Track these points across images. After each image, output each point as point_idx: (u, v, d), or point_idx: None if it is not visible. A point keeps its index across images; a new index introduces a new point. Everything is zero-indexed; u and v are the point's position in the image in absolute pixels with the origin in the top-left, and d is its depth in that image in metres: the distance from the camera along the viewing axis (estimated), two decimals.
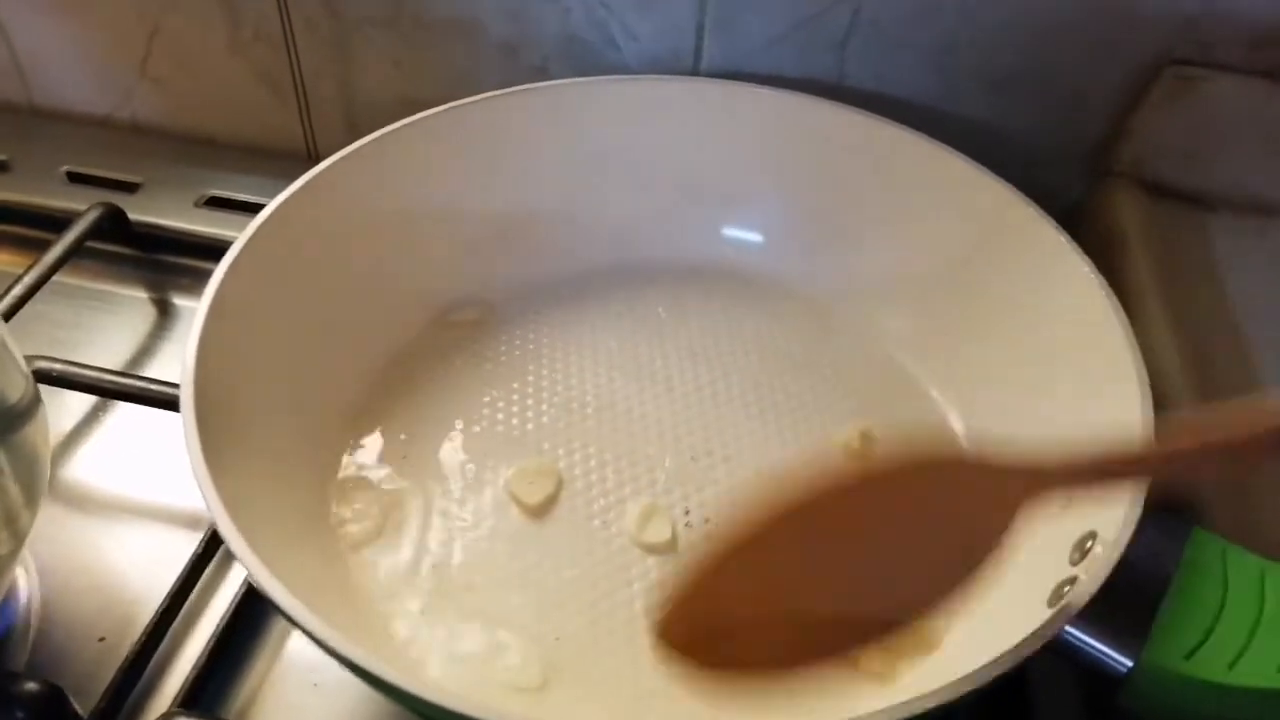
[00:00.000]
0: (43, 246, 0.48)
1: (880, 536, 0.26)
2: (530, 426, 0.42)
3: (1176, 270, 0.45)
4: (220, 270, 0.37)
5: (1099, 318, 0.36)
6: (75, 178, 0.56)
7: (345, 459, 0.40)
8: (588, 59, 0.52)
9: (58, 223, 0.50)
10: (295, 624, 0.27)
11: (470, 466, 0.40)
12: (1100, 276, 0.38)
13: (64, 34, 0.58)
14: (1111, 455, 0.26)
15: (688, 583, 0.26)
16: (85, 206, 0.51)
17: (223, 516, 0.29)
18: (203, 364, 0.33)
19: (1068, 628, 0.28)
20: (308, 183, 0.41)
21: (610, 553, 0.38)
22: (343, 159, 0.42)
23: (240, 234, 0.38)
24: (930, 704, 0.25)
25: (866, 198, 0.46)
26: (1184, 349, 0.41)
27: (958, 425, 0.43)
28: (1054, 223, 0.40)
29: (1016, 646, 0.26)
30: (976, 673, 0.26)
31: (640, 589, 0.37)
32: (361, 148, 0.43)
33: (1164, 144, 0.47)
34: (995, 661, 0.26)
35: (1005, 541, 0.26)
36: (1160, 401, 0.39)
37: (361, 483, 0.39)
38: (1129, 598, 0.29)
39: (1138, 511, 0.29)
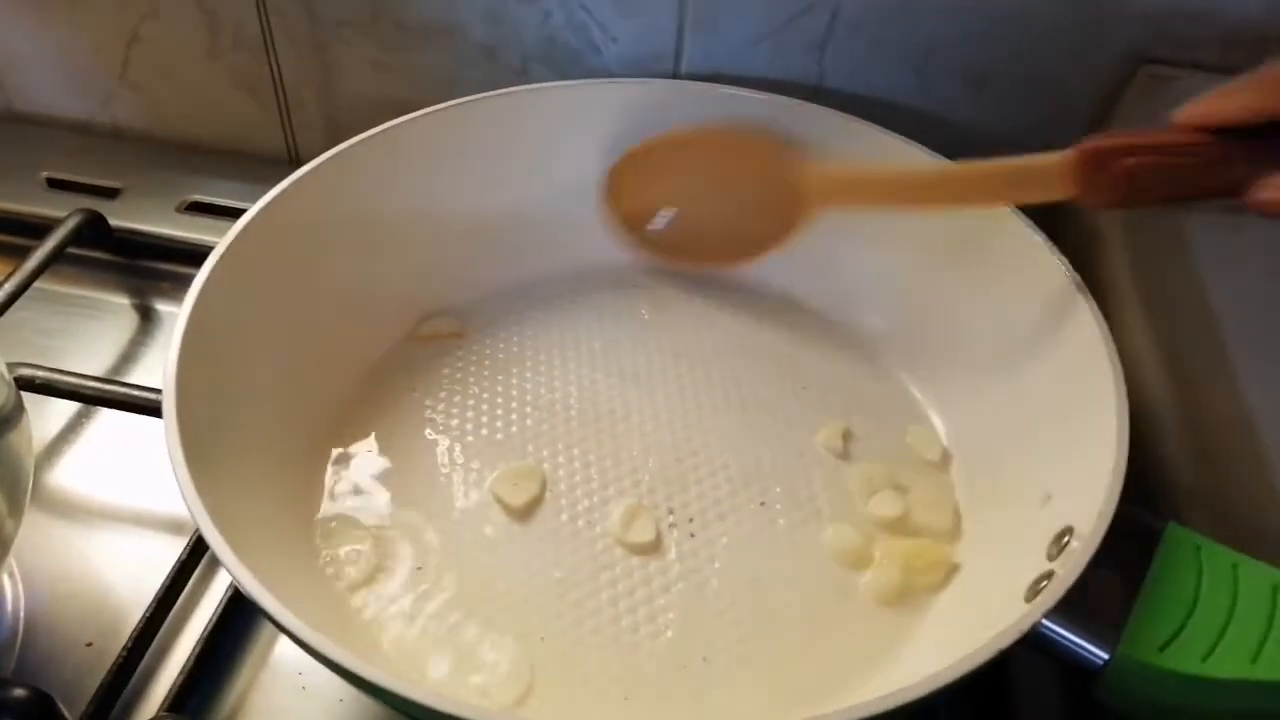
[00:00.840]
0: (23, 253, 0.48)
1: (727, 187, 0.46)
2: (514, 429, 0.42)
3: (1153, 265, 0.45)
4: (201, 275, 0.37)
5: (1074, 313, 0.37)
6: (55, 184, 0.56)
7: (329, 462, 0.40)
8: (568, 61, 0.52)
9: (38, 229, 0.50)
10: (280, 627, 0.28)
11: (454, 469, 0.41)
12: (1074, 273, 0.38)
13: (44, 40, 0.58)
14: (902, 176, 0.41)
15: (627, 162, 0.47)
16: (66, 213, 0.51)
17: (205, 520, 0.29)
18: (184, 369, 0.34)
19: (1044, 621, 0.28)
20: (288, 187, 0.41)
21: (595, 553, 0.38)
22: (323, 164, 0.42)
23: (221, 239, 0.38)
24: (905, 699, 0.25)
25: None
26: (1160, 342, 0.42)
27: (937, 421, 0.43)
28: (1027, 220, 0.41)
29: (991, 640, 0.27)
30: (950, 668, 0.26)
31: (624, 589, 0.37)
32: (341, 152, 0.43)
33: None
34: (969, 656, 0.26)
35: (801, 224, 0.44)
36: (1138, 393, 0.39)
37: (345, 484, 0.40)
38: (1104, 592, 0.29)
39: (1113, 507, 0.30)
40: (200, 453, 0.32)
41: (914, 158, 0.44)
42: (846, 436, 0.42)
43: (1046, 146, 0.49)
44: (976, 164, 0.39)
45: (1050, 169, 0.37)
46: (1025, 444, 0.38)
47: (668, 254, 0.49)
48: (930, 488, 0.41)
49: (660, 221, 0.47)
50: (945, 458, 0.42)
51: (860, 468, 0.41)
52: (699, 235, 0.47)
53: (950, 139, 0.45)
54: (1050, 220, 0.41)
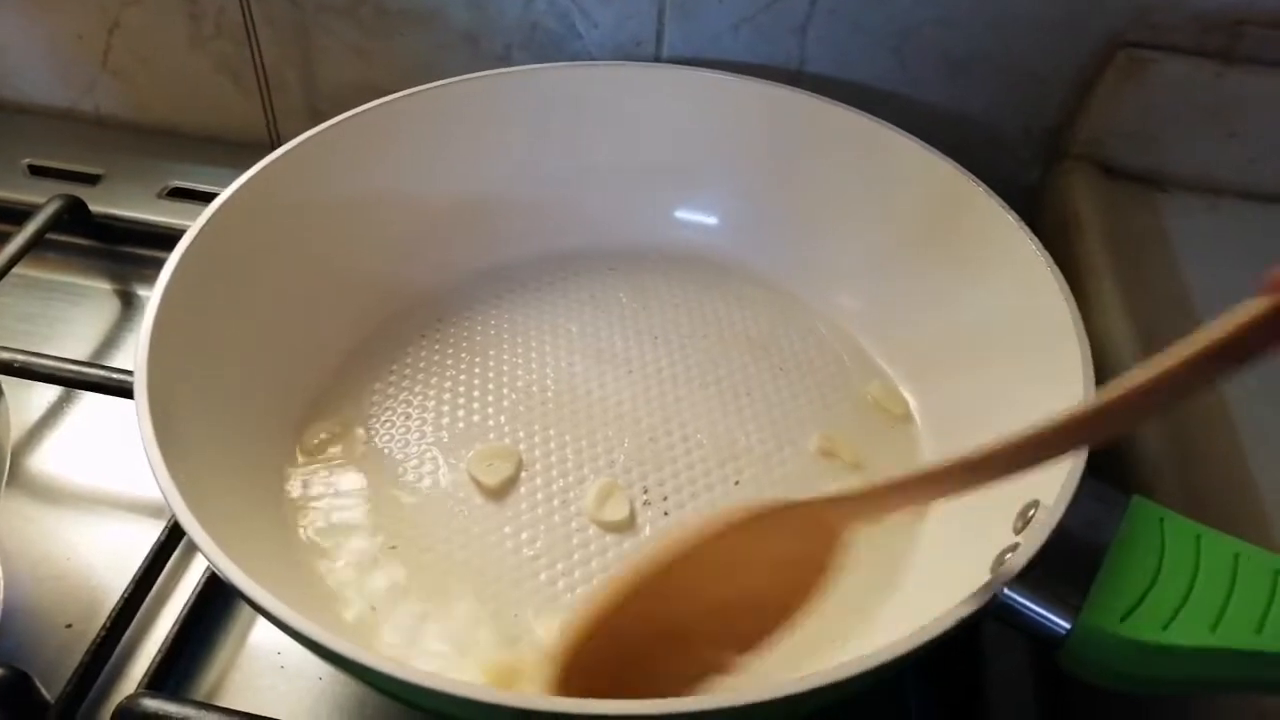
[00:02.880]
0: (3, 239, 0.49)
1: (740, 575, 0.32)
2: (490, 410, 0.43)
3: (1129, 249, 0.46)
4: (175, 255, 0.37)
5: (1045, 293, 0.37)
6: (36, 170, 0.57)
7: (304, 442, 0.41)
8: (550, 46, 0.52)
9: (18, 215, 0.51)
10: (252, 603, 0.28)
11: (430, 449, 0.41)
12: (1045, 253, 0.38)
13: (25, 27, 0.58)
14: (908, 479, 0.30)
15: (577, 637, 0.30)
16: (46, 199, 0.51)
17: (176, 500, 0.29)
18: (156, 349, 0.34)
19: (1008, 591, 0.28)
20: (264, 168, 0.41)
21: (569, 531, 0.38)
22: (300, 145, 0.42)
23: (196, 220, 0.38)
24: (864, 667, 0.26)
25: (820, 180, 0.47)
26: (1136, 325, 0.42)
27: (910, 398, 0.43)
28: (1001, 201, 0.41)
29: (953, 610, 0.27)
30: (911, 637, 0.26)
31: (598, 566, 0.37)
32: (319, 134, 0.43)
33: (1118, 126, 0.48)
34: (930, 625, 0.26)
35: (836, 562, 0.31)
36: (1111, 372, 0.39)
37: (320, 467, 0.40)
38: (1068, 563, 0.29)
39: (1076, 479, 0.30)
40: (172, 433, 0.32)
41: (890, 141, 0.44)
42: (822, 417, 0.43)
43: (1025, 131, 0.50)
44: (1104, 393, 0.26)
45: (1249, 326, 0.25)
46: (995, 419, 0.38)
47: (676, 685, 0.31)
48: (898, 459, 0.41)
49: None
50: (910, 418, 0.42)
51: (828, 438, 0.41)
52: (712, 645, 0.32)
53: (930, 123, 0.45)
54: (1032, 202, 0.42)
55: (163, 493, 0.30)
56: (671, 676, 0.31)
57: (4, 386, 0.40)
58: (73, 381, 0.43)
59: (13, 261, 0.48)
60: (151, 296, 0.35)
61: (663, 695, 0.29)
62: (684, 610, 0.32)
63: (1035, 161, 0.51)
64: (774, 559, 0.32)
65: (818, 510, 0.31)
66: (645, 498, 0.39)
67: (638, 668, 0.32)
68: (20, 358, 0.43)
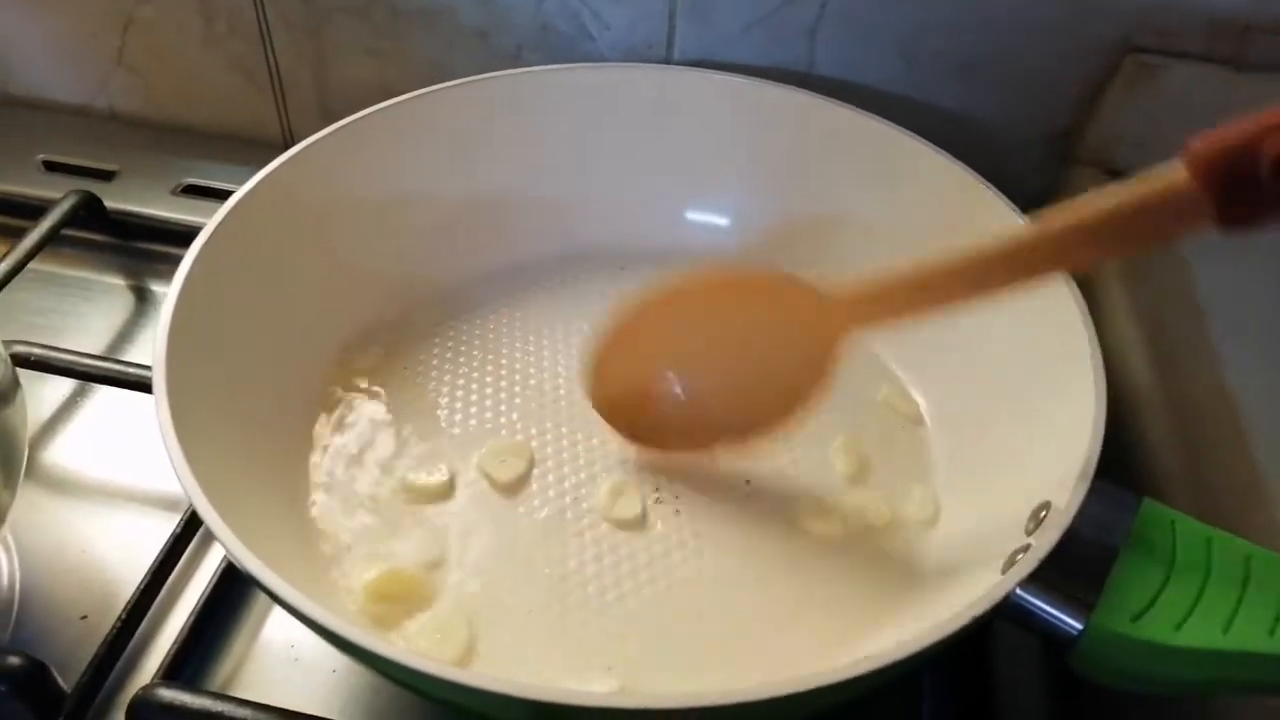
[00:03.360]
0: (19, 235, 0.49)
1: (744, 355, 0.37)
2: (503, 408, 0.43)
3: (1139, 256, 0.46)
4: (193, 251, 0.37)
5: (1055, 298, 0.37)
6: (52, 166, 0.57)
7: (322, 436, 0.41)
8: (561, 47, 0.52)
9: (34, 210, 0.51)
10: (268, 592, 0.28)
11: (443, 445, 0.41)
12: None
13: (39, 24, 0.58)
14: (918, 275, 0.33)
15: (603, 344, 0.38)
16: (61, 194, 0.52)
17: (196, 492, 0.29)
18: (174, 343, 0.34)
19: (1020, 592, 0.29)
20: (279, 167, 0.41)
21: (581, 528, 0.38)
22: (314, 144, 0.43)
23: (211, 217, 0.39)
24: (876, 665, 0.26)
25: (831, 183, 0.47)
26: (1145, 329, 0.42)
27: (920, 400, 0.44)
28: (1013, 206, 0.41)
29: (965, 609, 0.27)
30: (923, 636, 0.26)
31: (610, 563, 0.37)
32: (333, 133, 0.43)
33: (1126, 131, 0.48)
34: (942, 624, 0.27)
35: (831, 369, 0.35)
36: (1120, 375, 0.40)
37: (336, 458, 0.40)
38: (1079, 564, 0.29)
39: (1088, 481, 0.31)
40: (190, 425, 0.32)
41: (901, 144, 0.44)
42: (832, 417, 0.43)
43: (1033, 136, 0.50)
44: (1052, 220, 0.31)
45: (1163, 198, 0.27)
46: (1006, 422, 0.38)
47: (679, 442, 0.40)
48: (909, 462, 0.42)
49: (670, 397, 0.39)
50: (920, 420, 0.43)
51: (839, 441, 0.42)
52: (711, 411, 0.39)
53: (938, 127, 0.45)
54: (1040, 208, 0.42)
55: (182, 484, 0.30)
56: (679, 434, 0.39)
57: (20, 380, 0.40)
58: (89, 375, 0.43)
59: (29, 256, 0.48)
60: (169, 292, 0.36)
61: (670, 450, 0.40)
62: (696, 375, 0.38)
63: (1043, 166, 0.51)
64: (775, 344, 0.36)
65: (814, 301, 0.35)
66: (657, 496, 0.40)
67: (651, 418, 0.39)
68: (37, 351, 0.43)
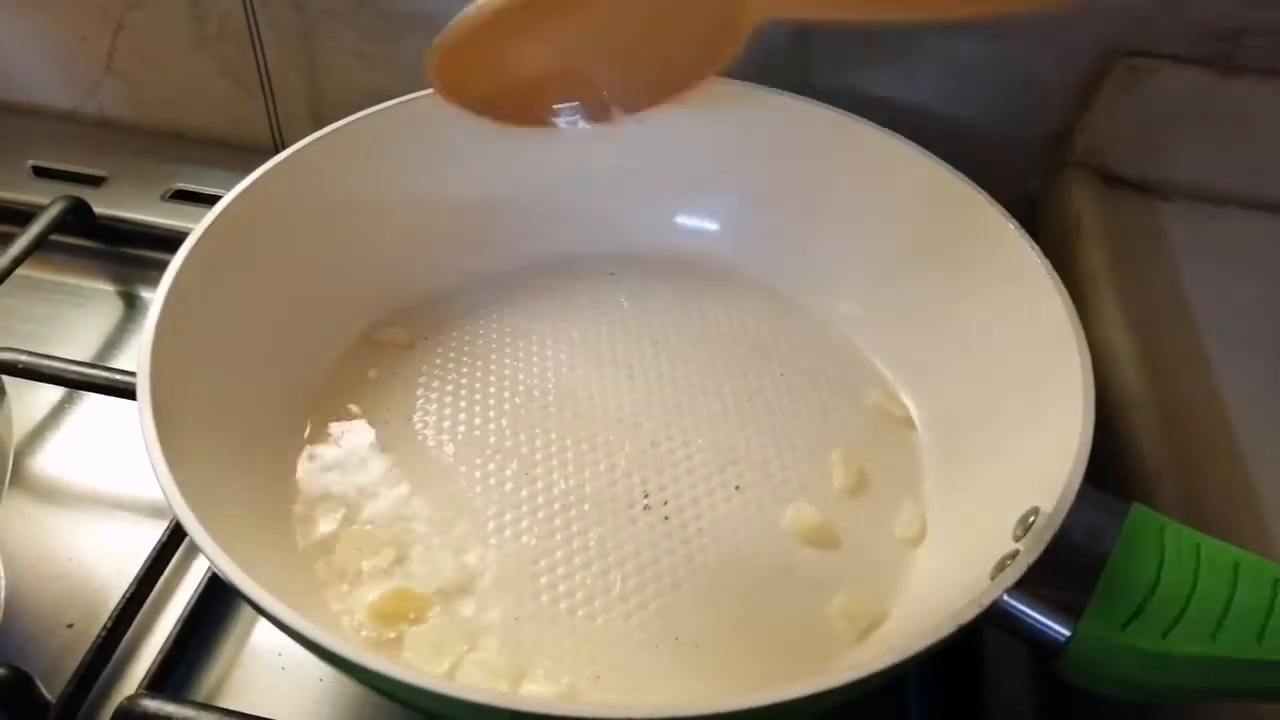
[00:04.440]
0: (7, 240, 0.49)
1: (635, 23, 0.33)
2: (492, 413, 0.43)
3: (1130, 257, 0.46)
4: (178, 258, 0.37)
5: (1045, 301, 0.37)
6: (41, 172, 0.57)
7: (306, 443, 0.41)
8: None
9: (23, 216, 0.51)
10: (254, 605, 0.28)
11: (431, 450, 0.41)
12: (1046, 260, 0.38)
13: (29, 29, 0.58)
14: None
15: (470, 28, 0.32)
16: (50, 200, 0.51)
17: (178, 501, 0.29)
18: (159, 351, 0.34)
19: (1008, 598, 0.28)
20: (268, 171, 0.41)
21: (570, 535, 0.38)
22: (304, 148, 0.42)
23: (199, 223, 0.38)
24: (864, 672, 0.26)
25: (821, 187, 0.47)
26: (1136, 333, 0.42)
27: (911, 404, 0.44)
28: (1003, 210, 0.41)
29: (952, 616, 0.27)
30: (910, 643, 0.26)
31: (598, 570, 0.37)
32: (322, 137, 0.43)
33: (1118, 134, 0.48)
34: (930, 630, 0.27)
35: (730, 53, 0.33)
36: (1110, 380, 0.40)
37: (324, 466, 0.40)
38: (1068, 570, 0.29)
39: (1076, 487, 0.30)
40: (174, 434, 0.32)
41: (892, 148, 0.44)
42: (822, 421, 0.43)
43: (1026, 140, 0.50)
44: None
45: None
46: (996, 425, 0.38)
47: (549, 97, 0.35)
48: (899, 466, 0.41)
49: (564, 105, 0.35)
50: (911, 424, 0.43)
51: (836, 453, 0.42)
52: (598, 74, 0.35)
53: (931, 131, 0.45)
54: (1032, 210, 0.42)
55: (165, 494, 0.30)
56: (547, 108, 0.35)
57: (7, 387, 0.40)
58: (76, 382, 0.43)
59: (16, 262, 0.48)
60: (154, 298, 0.36)
61: (531, 125, 0.35)
62: (576, 44, 0.33)
63: (1035, 170, 0.51)
64: (670, 18, 0.33)
65: None
66: (646, 502, 0.39)
67: (516, 90, 0.34)
68: (24, 358, 0.43)
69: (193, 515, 0.29)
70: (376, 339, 0.45)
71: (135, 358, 0.47)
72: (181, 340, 0.35)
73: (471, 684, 0.33)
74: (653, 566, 0.37)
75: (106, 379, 0.43)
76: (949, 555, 0.37)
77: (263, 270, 0.41)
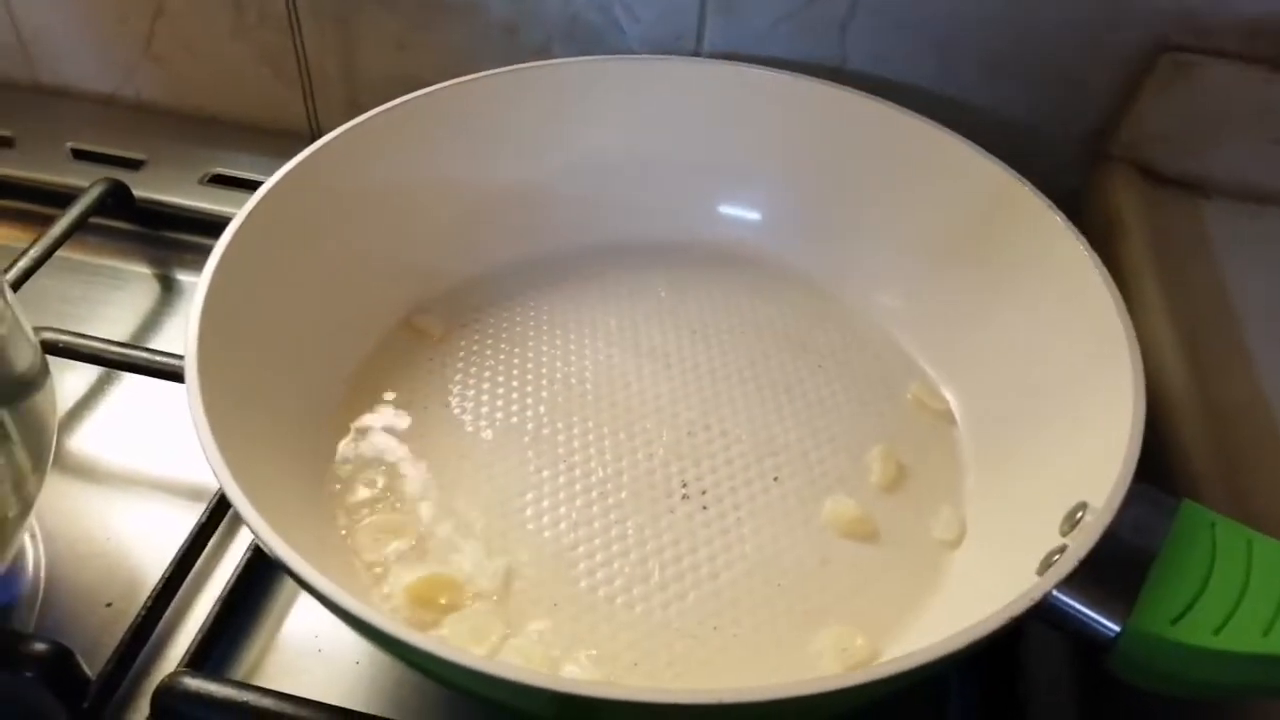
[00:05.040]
0: (47, 222, 0.49)
1: None
2: (530, 400, 0.43)
3: (1172, 254, 0.45)
4: (222, 243, 0.37)
5: (1092, 294, 0.37)
6: (80, 154, 0.57)
7: (348, 427, 0.41)
8: (590, 40, 0.52)
9: (62, 198, 0.51)
10: (299, 580, 0.28)
11: (468, 437, 0.41)
12: (1094, 254, 0.38)
13: (69, 12, 0.58)
14: None
15: None
16: (89, 183, 0.52)
17: (228, 480, 0.29)
18: (205, 334, 0.34)
19: (1056, 593, 0.28)
20: (309, 157, 0.41)
21: (608, 523, 0.38)
22: (343, 134, 0.43)
23: (241, 208, 0.39)
24: (909, 665, 0.26)
25: (864, 177, 0.47)
26: (1178, 329, 0.42)
27: (952, 398, 0.43)
28: (1049, 202, 0.40)
29: (1001, 610, 0.27)
30: (957, 636, 0.26)
31: (637, 559, 0.37)
32: (362, 123, 0.43)
33: (1161, 130, 0.48)
34: (978, 625, 0.26)
35: None
36: (1154, 377, 0.39)
37: (363, 449, 0.40)
38: (1117, 566, 0.29)
39: (1127, 482, 0.30)
40: (221, 415, 0.32)
41: (935, 139, 0.44)
42: (862, 415, 0.42)
43: (1067, 135, 0.50)
44: None
45: None
46: (1038, 420, 0.38)
47: None
48: (939, 461, 0.41)
49: None
50: (951, 418, 0.43)
51: (876, 447, 0.41)
52: None
53: (970, 124, 0.45)
54: (1073, 206, 0.41)
55: (215, 473, 0.30)
56: None
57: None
58: (116, 363, 0.43)
59: (57, 244, 0.48)
60: (200, 281, 0.36)
61: None
62: None
63: (1076, 164, 0.51)
64: None
65: None
66: (684, 491, 0.39)
67: None
68: (64, 338, 0.43)
69: (243, 494, 0.29)
70: (415, 325, 0.45)
71: (173, 338, 0.47)
72: (224, 323, 0.35)
73: (513, 664, 0.33)
74: (691, 556, 0.37)
75: (146, 360, 0.43)
76: (990, 551, 0.36)
77: (303, 255, 0.41)
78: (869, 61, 0.50)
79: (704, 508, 0.39)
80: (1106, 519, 0.29)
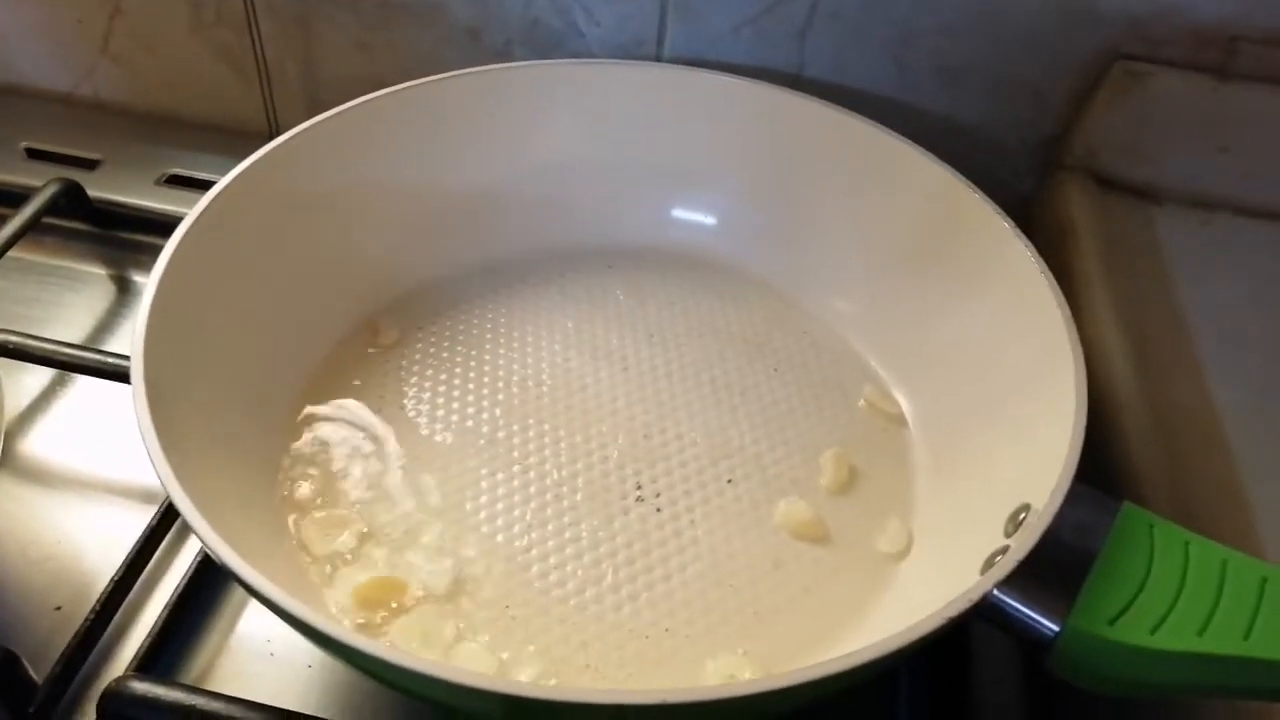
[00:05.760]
0: (0, 222, 0.48)
1: None
2: (485, 403, 0.43)
3: (1123, 261, 0.46)
4: (174, 240, 0.37)
5: (1039, 300, 0.37)
6: (34, 154, 0.56)
7: (298, 432, 0.41)
8: (550, 44, 0.52)
9: (15, 198, 0.50)
10: (243, 583, 0.28)
11: (423, 439, 0.41)
12: (1040, 260, 0.39)
13: (26, 10, 0.57)
14: None
15: None
16: (43, 182, 0.51)
17: (172, 483, 0.29)
18: (154, 335, 0.34)
19: (998, 593, 0.29)
20: (263, 156, 0.41)
21: (562, 525, 0.38)
22: (298, 135, 0.42)
23: (193, 207, 0.38)
24: (854, 663, 0.26)
25: (819, 183, 0.47)
26: (1128, 335, 0.42)
27: (904, 401, 0.44)
28: (998, 209, 0.41)
29: (943, 608, 0.27)
30: (900, 634, 0.26)
31: (590, 560, 0.37)
32: (318, 123, 0.43)
33: (1113, 138, 0.49)
34: (920, 623, 0.27)
35: None
36: (1102, 381, 0.40)
37: (316, 452, 0.40)
38: (1058, 566, 0.29)
39: (1068, 484, 0.31)
40: (168, 418, 0.32)
41: (889, 146, 0.44)
42: (816, 417, 0.43)
43: (1020, 142, 0.51)
44: None
45: None
46: (989, 424, 0.38)
47: None
48: (890, 463, 0.42)
49: None
50: (903, 421, 0.43)
51: (829, 449, 0.42)
52: None
53: (927, 131, 0.45)
54: (1026, 212, 0.42)
55: (160, 477, 0.29)
56: None
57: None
58: (68, 364, 0.43)
59: (9, 244, 0.47)
60: (149, 281, 0.35)
61: None
62: None
63: (1029, 171, 0.51)
64: None
65: None
66: (639, 494, 0.40)
67: None
68: (15, 339, 0.42)
69: (188, 499, 0.29)
70: (370, 327, 0.45)
71: (128, 341, 0.47)
72: (175, 324, 0.35)
73: (462, 668, 0.33)
74: (644, 558, 0.37)
75: (98, 361, 0.42)
76: (938, 551, 0.37)
77: (256, 256, 0.41)
78: (827, 69, 0.50)
79: (658, 510, 0.39)
80: (1047, 520, 0.30)
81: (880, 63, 0.49)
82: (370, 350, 0.44)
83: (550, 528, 0.38)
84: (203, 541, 0.28)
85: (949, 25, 0.48)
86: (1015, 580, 0.29)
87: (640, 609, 0.36)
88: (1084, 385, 0.34)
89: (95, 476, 0.42)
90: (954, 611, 0.27)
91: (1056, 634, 0.29)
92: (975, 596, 0.28)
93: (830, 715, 0.31)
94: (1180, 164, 0.49)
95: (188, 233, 0.37)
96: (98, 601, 0.36)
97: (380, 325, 0.45)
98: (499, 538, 0.38)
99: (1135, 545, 0.30)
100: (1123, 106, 0.47)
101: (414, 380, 0.43)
